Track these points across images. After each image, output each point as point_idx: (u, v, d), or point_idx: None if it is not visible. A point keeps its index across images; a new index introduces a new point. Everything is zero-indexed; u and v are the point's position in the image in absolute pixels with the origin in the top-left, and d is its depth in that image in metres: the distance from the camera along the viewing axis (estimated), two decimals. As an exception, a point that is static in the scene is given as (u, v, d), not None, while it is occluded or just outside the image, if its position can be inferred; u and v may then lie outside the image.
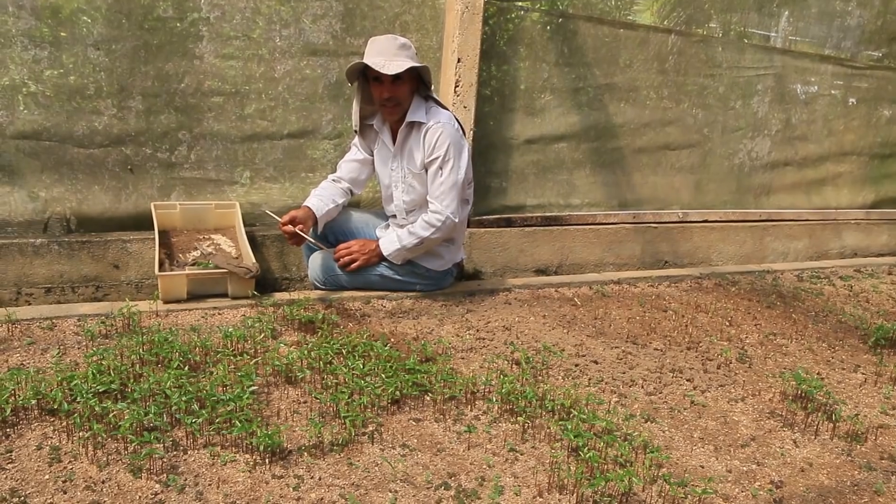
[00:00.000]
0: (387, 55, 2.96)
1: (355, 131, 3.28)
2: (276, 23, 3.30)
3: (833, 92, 4.99)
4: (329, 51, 3.44)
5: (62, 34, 2.96)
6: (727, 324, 3.40)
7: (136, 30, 3.07)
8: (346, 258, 3.23)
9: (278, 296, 3.15)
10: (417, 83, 3.14)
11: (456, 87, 3.54)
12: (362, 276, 3.27)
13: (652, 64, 4.23)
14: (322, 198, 3.25)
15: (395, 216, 3.37)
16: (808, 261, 5.05)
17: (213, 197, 3.41)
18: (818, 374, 2.89)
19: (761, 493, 2.01)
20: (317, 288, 3.34)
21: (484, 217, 3.91)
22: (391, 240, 3.23)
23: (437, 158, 3.10)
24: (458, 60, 3.51)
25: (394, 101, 3.07)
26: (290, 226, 3.09)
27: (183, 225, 3.34)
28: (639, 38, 4.14)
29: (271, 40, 3.31)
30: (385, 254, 3.23)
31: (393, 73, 2.93)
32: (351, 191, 3.39)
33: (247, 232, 3.28)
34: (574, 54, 3.97)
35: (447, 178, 3.12)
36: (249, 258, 3.12)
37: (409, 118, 3.13)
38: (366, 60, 2.97)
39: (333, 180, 3.36)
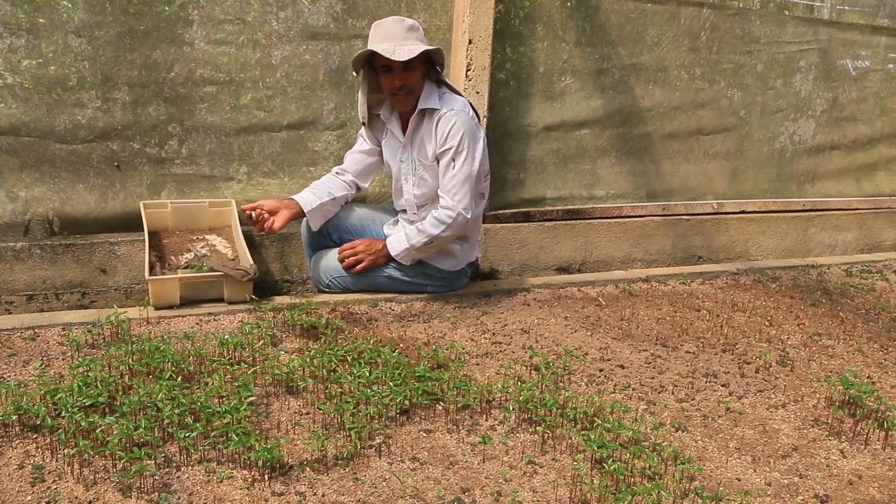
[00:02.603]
0: (395, 40, 2.97)
1: (363, 123, 3.29)
2: (272, 4, 3.32)
3: (888, 66, 4.95)
4: (330, 34, 3.46)
5: (40, 20, 3.00)
6: (767, 324, 3.38)
7: (121, 15, 3.10)
8: (352, 259, 3.24)
9: (278, 300, 3.18)
10: (428, 67, 3.15)
11: (467, 70, 3.55)
12: (369, 277, 3.29)
13: (682, 41, 4.21)
14: (315, 191, 3.27)
15: (405, 211, 3.38)
16: (858, 254, 5.02)
17: (206, 194, 3.44)
18: (868, 377, 2.87)
19: (804, 507, 2.01)
20: (320, 291, 3.37)
21: (500, 212, 3.92)
22: (399, 239, 3.24)
23: (449, 149, 3.11)
24: (470, 42, 3.52)
25: (406, 88, 3.08)
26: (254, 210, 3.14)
27: (175, 225, 3.37)
28: (668, 12, 4.13)
29: (267, 24, 3.34)
30: (393, 254, 3.24)
31: (405, 59, 2.94)
32: (357, 185, 3.40)
33: (244, 231, 3.30)
34: (596, 32, 3.97)
35: (460, 170, 3.12)
36: (247, 260, 3.15)
37: (420, 105, 3.13)
38: (373, 47, 2.97)
39: (336, 173, 3.38)
